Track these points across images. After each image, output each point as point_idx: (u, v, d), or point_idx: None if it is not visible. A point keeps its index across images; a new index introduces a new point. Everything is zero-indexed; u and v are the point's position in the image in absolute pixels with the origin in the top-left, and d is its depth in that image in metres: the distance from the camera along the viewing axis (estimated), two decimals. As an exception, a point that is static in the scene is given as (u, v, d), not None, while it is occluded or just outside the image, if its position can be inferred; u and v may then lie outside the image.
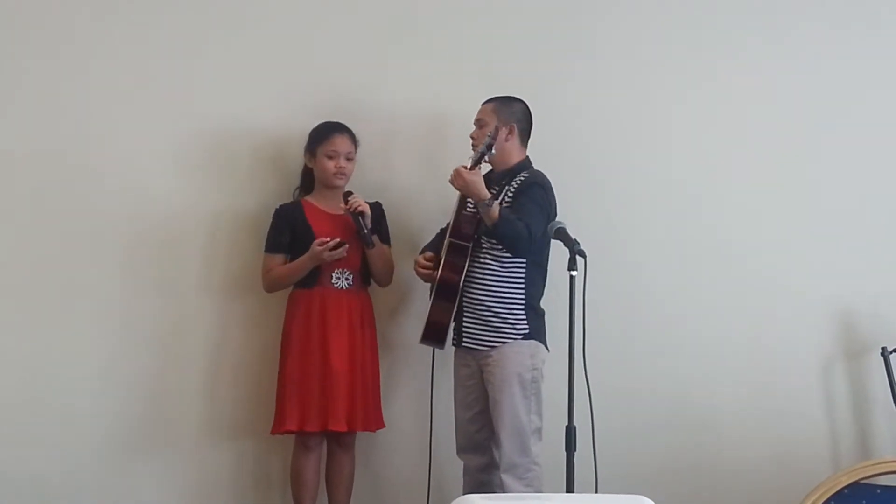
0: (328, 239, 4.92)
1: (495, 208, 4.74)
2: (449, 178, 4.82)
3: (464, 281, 4.87)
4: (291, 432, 4.98)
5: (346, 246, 4.93)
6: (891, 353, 5.27)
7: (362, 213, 4.95)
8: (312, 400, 4.93)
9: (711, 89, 5.48)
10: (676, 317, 5.40)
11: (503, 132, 4.90)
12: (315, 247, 4.92)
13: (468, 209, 4.93)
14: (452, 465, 5.08)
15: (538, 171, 5.00)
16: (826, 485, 4.44)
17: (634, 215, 5.42)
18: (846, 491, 4.41)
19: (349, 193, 5.00)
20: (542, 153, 5.05)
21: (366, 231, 4.93)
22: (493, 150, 4.81)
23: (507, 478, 4.80)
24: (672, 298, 5.41)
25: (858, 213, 5.49)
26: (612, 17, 5.47)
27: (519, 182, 4.94)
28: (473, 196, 4.78)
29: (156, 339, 5.22)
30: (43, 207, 5.17)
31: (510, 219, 4.75)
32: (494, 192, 4.88)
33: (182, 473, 5.21)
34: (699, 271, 5.43)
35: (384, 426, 5.11)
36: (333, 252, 4.92)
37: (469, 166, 4.80)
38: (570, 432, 4.38)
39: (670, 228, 5.43)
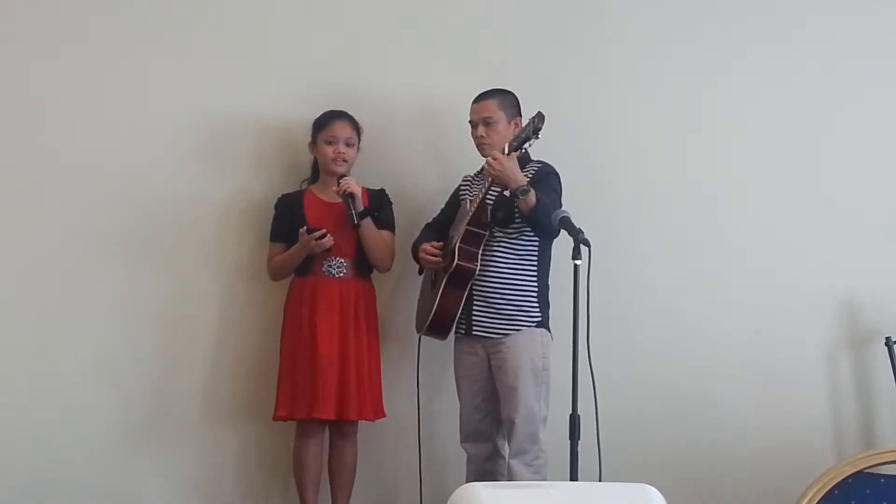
0: (316, 228, 4.92)
1: (532, 194, 4.71)
2: (485, 164, 4.77)
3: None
4: (282, 419, 5.00)
5: (327, 234, 4.91)
6: (894, 342, 5.27)
7: (352, 195, 4.94)
8: (301, 387, 4.94)
9: (715, 84, 5.48)
10: (680, 306, 5.40)
11: (513, 123, 4.90)
12: (302, 235, 4.93)
13: (489, 199, 4.89)
14: (454, 454, 5.08)
15: (544, 161, 4.99)
16: (830, 474, 4.44)
17: (638, 206, 5.41)
18: (850, 480, 4.40)
19: (343, 176, 5.00)
20: (548, 145, 5.02)
21: (353, 212, 4.92)
22: (539, 137, 4.72)
23: (515, 464, 4.81)
24: (676, 288, 5.41)
25: (862, 203, 5.49)
26: (618, 9, 5.46)
27: (534, 171, 4.92)
28: (511, 183, 4.73)
29: (160, 327, 5.21)
30: (47, 198, 5.16)
31: (546, 203, 4.72)
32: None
33: (187, 459, 5.20)
34: (703, 261, 5.43)
35: (385, 416, 5.10)
36: (320, 241, 4.92)
37: (506, 152, 4.76)
38: (574, 421, 4.39)
39: (674, 219, 5.43)
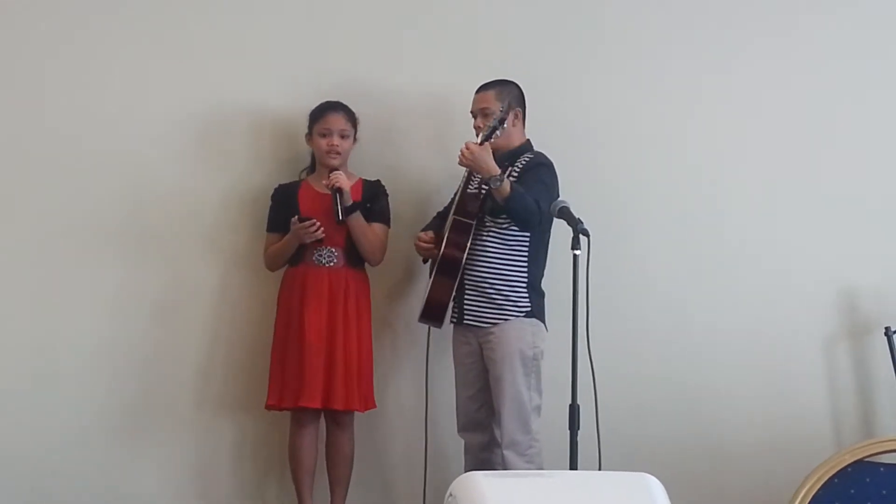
0: (307, 218, 4.92)
1: (506, 183, 4.74)
2: (458, 154, 4.81)
3: (466, 258, 4.87)
4: (273, 408, 5.00)
5: (317, 224, 4.91)
6: (894, 333, 5.27)
7: (339, 190, 4.93)
8: (289, 375, 4.95)
9: (715, 78, 5.47)
10: (680, 298, 5.40)
11: (512, 113, 4.90)
12: (293, 224, 4.93)
13: (471, 187, 4.93)
14: (453, 444, 5.08)
15: (541, 152, 5.00)
16: (829, 463, 4.44)
17: (638, 199, 5.41)
18: (849, 469, 4.40)
19: (333, 170, 4.99)
20: (549, 140, 5.04)
21: (338, 207, 4.91)
22: (505, 126, 4.80)
23: (509, 454, 4.81)
24: (675, 280, 5.41)
25: (861, 193, 5.49)
26: (618, 7, 5.46)
27: (524, 163, 4.94)
28: (483, 172, 4.77)
29: (157, 319, 5.21)
30: (46, 190, 5.15)
31: (521, 193, 4.75)
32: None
33: (182, 449, 5.20)
34: (702, 253, 5.43)
35: (375, 406, 5.09)
36: (310, 231, 4.91)
37: (479, 142, 4.80)
38: (574, 411, 4.39)
39: (674, 211, 5.42)
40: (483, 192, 4.90)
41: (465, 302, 4.92)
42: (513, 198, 4.74)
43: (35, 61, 5.17)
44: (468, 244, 4.87)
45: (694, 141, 5.47)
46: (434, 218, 5.15)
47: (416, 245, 5.04)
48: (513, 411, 4.82)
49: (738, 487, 5.31)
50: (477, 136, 4.93)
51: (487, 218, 4.90)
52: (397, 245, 5.17)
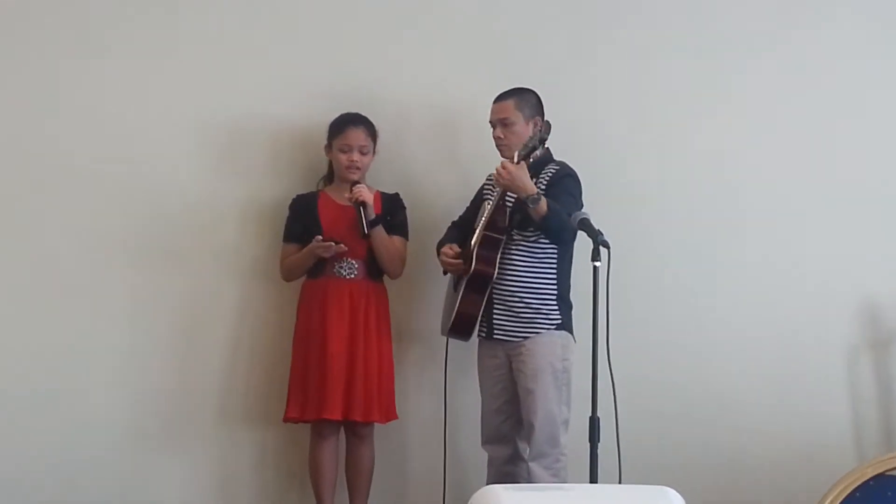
0: (328, 238, 4.93)
1: (544, 202, 4.70)
2: (494, 173, 4.78)
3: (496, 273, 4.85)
4: (292, 420, 5.01)
5: (333, 244, 4.91)
6: (916, 343, 5.27)
7: (363, 204, 4.94)
8: (311, 388, 4.95)
9: (735, 83, 5.47)
10: (700, 308, 5.39)
11: (533, 122, 4.88)
12: (315, 242, 4.94)
13: (508, 202, 4.89)
14: (475, 457, 5.08)
15: (564, 162, 4.98)
16: (851, 476, 4.42)
17: (658, 208, 5.40)
18: (871, 482, 4.38)
19: (356, 183, 5.00)
20: (565, 146, 5.02)
21: (363, 221, 4.92)
22: (545, 145, 4.78)
23: (535, 467, 4.80)
24: (695, 290, 5.40)
25: (884, 203, 5.47)
26: (626, 8, 5.45)
27: (551, 174, 4.91)
28: (521, 191, 4.73)
29: (176, 329, 5.21)
30: (65, 202, 5.16)
31: (557, 210, 4.72)
32: None
33: (203, 460, 5.20)
34: (723, 262, 5.42)
35: (397, 417, 5.09)
36: (332, 250, 4.92)
37: (515, 161, 4.76)
38: (594, 423, 4.37)
39: (693, 220, 5.41)
40: (509, 206, 4.89)
41: (495, 316, 4.90)
42: (550, 216, 4.70)
43: (56, 71, 5.18)
44: (498, 259, 4.85)
45: (715, 149, 5.44)
46: (450, 228, 5.14)
47: (442, 261, 5.01)
48: (543, 424, 4.80)
49: (759, 500, 5.29)
50: (497, 147, 4.92)
51: (515, 231, 4.89)
52: (412, 257, 5.15)
